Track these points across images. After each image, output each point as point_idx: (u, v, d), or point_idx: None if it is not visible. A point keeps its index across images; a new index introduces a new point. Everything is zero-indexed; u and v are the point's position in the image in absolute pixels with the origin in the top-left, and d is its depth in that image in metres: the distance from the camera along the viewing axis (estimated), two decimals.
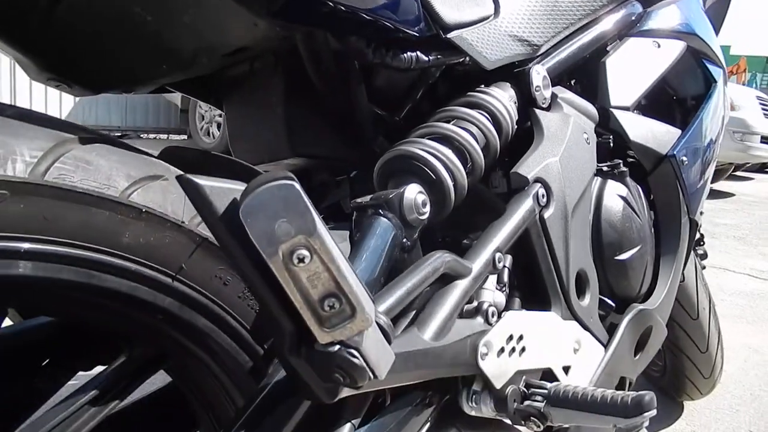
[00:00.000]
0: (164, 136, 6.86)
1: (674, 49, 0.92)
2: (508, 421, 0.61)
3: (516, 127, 0.70)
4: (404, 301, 0.48)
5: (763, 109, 5.18)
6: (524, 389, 0.61)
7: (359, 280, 0.36)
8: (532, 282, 0.67)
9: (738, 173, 6.10)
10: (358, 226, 0.55)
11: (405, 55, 0.61)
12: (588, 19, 0.83)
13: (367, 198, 0.56)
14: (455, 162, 0.61)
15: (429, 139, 0.62)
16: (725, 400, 1.47)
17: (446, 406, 0.59)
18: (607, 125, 0.82)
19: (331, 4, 0.50)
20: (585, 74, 0.86)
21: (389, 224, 0.53)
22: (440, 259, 0.54)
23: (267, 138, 0.67)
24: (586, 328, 0.71)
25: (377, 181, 0.63)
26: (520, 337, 0.61)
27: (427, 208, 0.57)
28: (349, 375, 0.37)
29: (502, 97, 0.69)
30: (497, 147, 0.67)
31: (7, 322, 0.59)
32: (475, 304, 0.59)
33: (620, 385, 0.79)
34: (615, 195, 0.78)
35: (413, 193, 0.55)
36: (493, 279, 0.62)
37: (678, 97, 1.02)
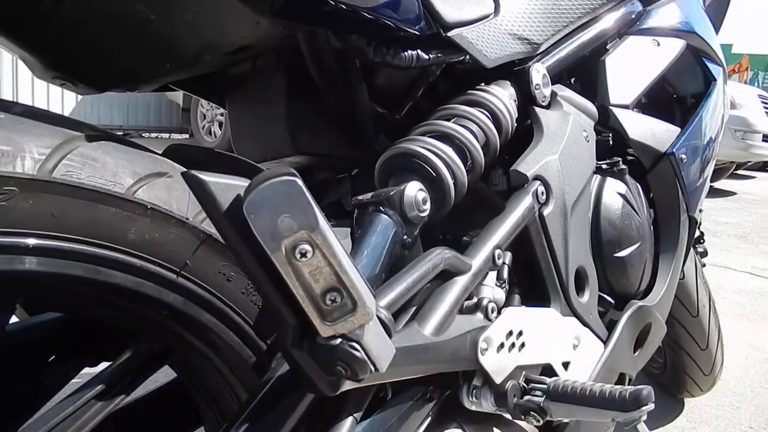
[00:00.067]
0: (166, 135, 6.87)
1: (674, 47, 0.93)
2: (508, 416, 0.61)
3: (516, 125, 0.71)
4: (405, 296, 0.49)
5: (765, 108, 5.18)
6: (524, 384, 0.61)
7: (360, 275, 0.37)
8: (531, 279, 0.68)
9: (740, 172, 6.09)
10: (360, 223, 0.55)
11: (405, 53, 0.62)
12: (588, 18, 0.83)
13: (368, 195, 0.56)
14: (455, 160, 0.61)
15: (429, 137, 0.63)
16: (726, 397, 1.48)
17: (447, 400, 0.60)
18: (606, 123, 0.83)
19: (332, 2, 0.51)
20: (585, 72, 0.86)
21: (390, 221, 0.54)
22: (440, 256, 0.54)
23: (269, 136, 0.68)
24: (585, 324, 0.72)
25: (378, 178, 0.63)
26: (520, 333, 0.61)
27: (428, 206, 0.58)
28: (350, 368, 0.38)
29: (502, 96, 0.70)
30: (497, 145, 0.68)
31: (14, 319, 0.60)
32: (474, 300, 0.60)
33: (620, 381, 0.80)
34: (614, 192, 0.79)
35: (414, 190, 0.56)
36: (492, 275, 0.62)
37: (678, 96, 1.03)
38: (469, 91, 0.70)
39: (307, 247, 0.34)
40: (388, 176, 0.62)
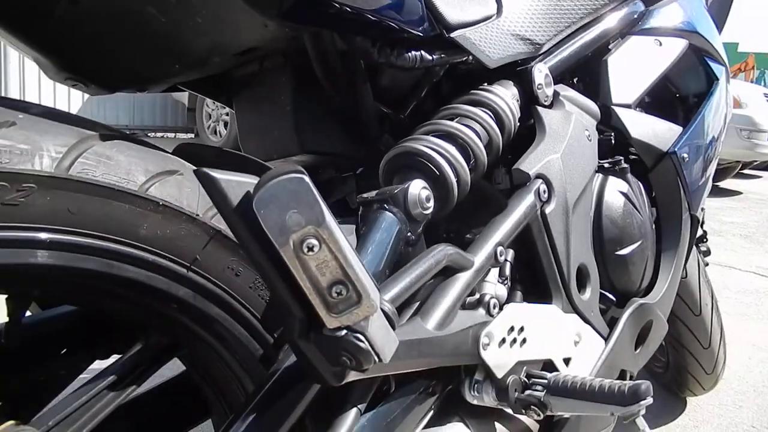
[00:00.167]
0: (171, 135, 6.90)
1: (676, 47, 0.94)
2: (510, 410, 0.63)
3: (518, 124, 0.72)
4: (408, 291, 0.50)
5: None
6: (525, 379, 0.62)
7: (365, 269, 0.38)
8: (533, 276, 0.69)
9: (745, 171, 6.06)
10: (364, 220, 0.56)
11: (409, 54, 0.63)
12: (590, 18, 0.84)
13: (373, 193, 0.58)
14: (458, 159, 0.62)
15: (433, 136, 0.64)
16: (728, 397, 1.48)
17: (449, 394, 0.61)
18: (608, 122, 0.84)
19: (337, 5, 0.52)
20: (587, 72, 0.87)
21: (394, 218, 0.55)
22: (443, 252, 0.55)
23: (276, 135, 0.69)
24: (586, 321, 0.73)
25: (382, 177, 0.65)
26: (521, 329, 0.62)
27: (431, 203, 0.59)
28: (355, 358, 0.39)
29: (505, 95, 0.71)
30: (500, 144, 0.69)
31: (27, 313, 0.62)
32: (477, 296, 0.61)
33: (621, 378, 0.80)
34: (616, 191, 0.80)
35: (417, 188, 0.57)
36: (495, 272, 0.63)
37: (680, 95, 1.03)
38: (472, 91, 0.71)
39: (314, 241, 0.36)
40: (393, 175, 0.63)
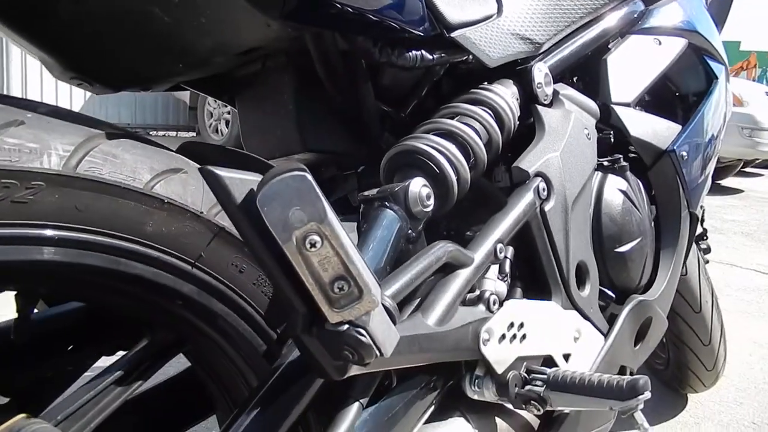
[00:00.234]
0: (173, 133, 6.92)
1: (675, 46, 0.94)
2: (510, 405, 0.63)
3: (518, 123, 0.73)
4: (408, 287, 0.51)
5: None
6: (525, 374, 0.63)
7: (366, 265, 0.39)
8: (533, 273, 0.70)
9: (747, 169, 6.05)
10: (366, 217, 0.57)
11: (410, 54, 0.64)
12: (590, 17, 0.84)
13: (374, 191, 0.59)
14: (458, 157, 0.63)
15: (433, 134, 0.64)
16: (729, 393, 1.49)
17: (450, 390, 0.62)
18: (608, 121, 0.84)
19: (339, 5, 0.53)
20: (587, 71, 0.88)
21: (395, 216, 0.56)
22: (443, 249, 0.56)
23: (278, 134, 0.70)
24: (586, 317, 0.73)
25: (383, 175, 0.65)
26: (521, 325, 0.63)
27: (431, 201, 0.60)
28: (357, 352, 0.40)
29: (505, 94, 0.71)
30: (499, 142, 0.69)
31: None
32: (477, 292, 0.62)
33: (621, 374, 0.81)
34: (615, 189, 0.80)
35: (418, 186, 0.58)
36: (494, 269, 0.64)
37: (680, 94, 1.04)
38: (473, 90, 0.71)
39: (317, 237, 0.36)
40: (394, 173, 0.64)
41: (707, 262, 1.31)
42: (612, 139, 0.83)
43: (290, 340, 0.53)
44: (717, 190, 5.01)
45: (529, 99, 0.75)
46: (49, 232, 0.41)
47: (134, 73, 0.65)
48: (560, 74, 0.81)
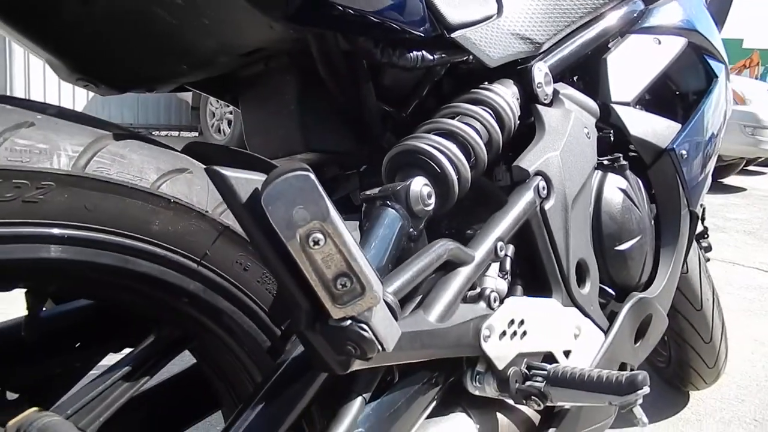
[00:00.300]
0: (176, 133, 6.93)
1: (675, 45, 0.95)
2: (511, 401, 0.64)
3: (518, 122, 0.73)
4: (410, 284, 0.52)
5: None
6: (525, 370, 0.64)
7: (368, 262, 0.40)
8: (533, 270, 0.71)
9: (750, 168, 6.04)
10: (368, 216, 0.58)
11: (411, 54, 0.64)
12: (590, 17, 0.85)
13: (376, 190, 0.59)
14: (459, 156, 0.64)
15: (434, 134, 0.65)
16: (731, 391, 1.49)
17: (452, 385, 0.63)
18: (608, 120, 0.85)
19: (340, 7, 0.54)
20: (586, 71, 0.88)
21: (396, 215, 0.57)
22: (444, 247, 0.57)
23: (281, 134, 0.71)
24: (586, 314, 0.74)
25: (385, 174, 0.66)
26: (521, 322, 0.64)
27: (432, 200, 0.60)
28: (359, 347, 0.41)
29: (505, 94, 0.72)
30: (500, 142, 0.70)
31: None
32: (477, 290, 0.63)
33: (621, 371, 0.82)
34: (615, 187, 0.81)
35: (419, 185, 0.59)
36: (495, 267, 0.65)
37: (680, 93, 1.04)
38: (473, 90, 0.72)
39: (320, 235, 0.37)
40: (395, 172, 0.65)
41: (708, 260, 1.31)
42: (612, 138, 0.84)
43: (294, 337, 0.54)
44: (719, 188, 5.01)
45: (529, 98, 0.76)
46: (58, 231, 0.42)
47: (139, 75, 0.66)
48: (560, 74, 0.82)
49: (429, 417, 0.60)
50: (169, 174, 0.47)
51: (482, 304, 0.61)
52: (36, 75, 5.68)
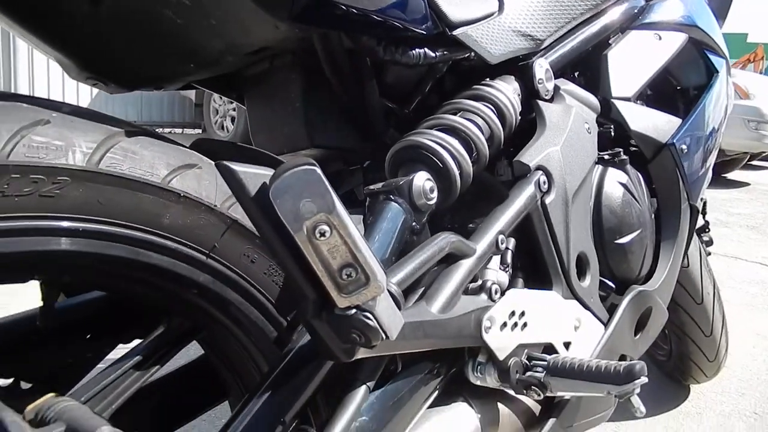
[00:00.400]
0: (179, 130, 6.95)
1: (676, 40, 0.95)
2: (511, 391, 0.66)
3: (520, 118, 0.74)
4: (413, 275, 0.53)
5: None
6: (526, 361, 0.65)
7: (372, 253, 0.41)
8: (534, 263, 0.72)
9: (753, 163, 6.02)
10: (371, 210, 0.59)
11: (413, 52, 0.65)
12: (590, 14, 0.86)
13: (380, 185, 0.61)
14: (461, 151, 0.65)
15: (436, 130, 0.66)
16: (732, 384, 1.50)
17: (454, 376, 0.64)
18: (608, 115, 0.86)
19: (344, 7, 0.55)
20: (587, 66, 0.89)
21: (399, 209, 0.58)
22: (446, 240, 0.58)
23: (286, 130, 0.72)
24: (586, 307, 0.75)
25: (388, 169, 0.67)
26: (522, 313, 0.65)
27: (435, 194, 0.62)
28: (364, 335, 0.42)
29: (506, 90, 0.73)
30: (501, 137, 0.71)
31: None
32: (479, 282, 0.64)
33: None
34: (615, 182, 0.82)
35: (422, 180, 0.60)
36: (496, 260, 0.66)
37: (681, 88, 1.05)
38: (475, 86, 0.73)
39: (326, 227, 0.39)
40: (398, 167, 0.66)
41: (709, 254, 1.32)
42: (612, 133, 0.85)
43: (299, 327, 0.55)
44: (723, 183, 4.99)
45: (530, 94, 0.77)
46: (73, 225, 0.43)
47: (147, 73, 0.68)
48: (561, 69, 0.83)
49: (431, 406, 0.62)
50: (179, 169, 0.49)
51: (483, 296, 0.63)
52: (40, 72, 5.70)
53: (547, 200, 0.70)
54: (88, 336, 0.64)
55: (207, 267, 0.51)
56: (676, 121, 0.92)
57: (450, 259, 0.60)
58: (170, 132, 6.82)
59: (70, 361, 0.62)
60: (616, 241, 0.81)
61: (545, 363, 0.63)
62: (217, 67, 0.68)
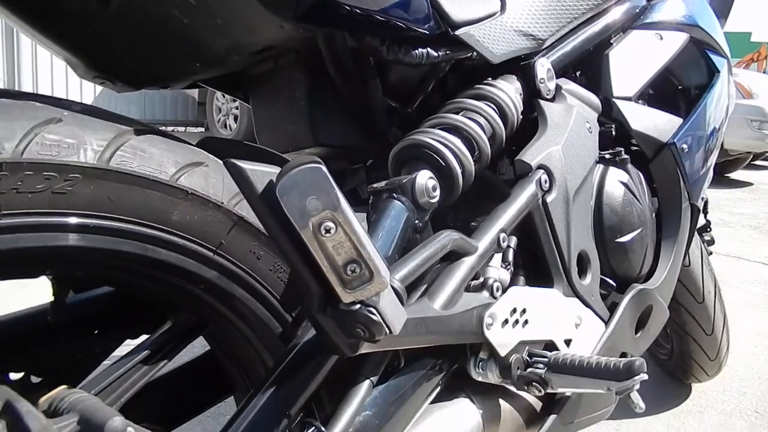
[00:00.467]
0: (182, 129, 6.97)
1: (677, 40, 0.96)
2: (513, 388, 0.66)
3: (521, 117, 0.75)
4: (416, 272, 0.54)
5: None
6: (527, 358, 0.66)
7: (376, 249, 0.42)
8: (535, 261, 0.72)
9: (756, 162, 6.00)
10: (375, 208, 0.60)
11: (416, 51, 0.66)
12: (592, 13, 0.86)
13: (383, 183, 0.62)
14: (463, 150, 0.66)
15: (439, 129, 0.67)
16: (733, 383, 1.51)
17: (455, 372, 0.65)
18: (609, 115, 0.86)
19: (348, 7, 0.56)
20: (589, 66, 0.90)
21: (402, 207, 0.59)
22: (448, 237, 0.59)
23: (290, 129, 0.73)
24: (587, 305, 0.76)
25: (391, 168, 0.68)
26: (523, 311, 0.66)
27: (437, 193, 0.63)
28: (368, 329, 0.43)
29: (508, 89, 0.74)
30: (503, 136, 0.72)
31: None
32: (481, 279, 0.65)
33: None
34: (616, 181, 0.83)
35: (424, 178, 0.61)
36: (498, 257, 0.67)
37: (682, 87, 1.06)
38: (477, 86, 0.74)
39: (331, 224, 0.40)
40: (401, 166, 0.67)
41: (711, 253, 1.32)
42: (613, 133, 0.85)
43: (304, 323, 0.56)
44: (726, 183, 4.99)
45: (532, 94, 0.77)
46: (84, 221, 0.44)
47: (154, 72, 0.68)
48: (563, 69, 0.83)
49: (433, 402, 0.62)
50: (186, 167, 0.50)
51: (485, 293, 0.63)
52: (43, 70, 5.72)
53: (549, 199, 0.71)
54: (97, 331, 0.65)
55: (214, 263, 0.52)
56: (677, 121, 0.93)
57: (452, 257, 0.61)
58: (173, 130, 6.84)
59: (79, 355, 0.63)
60: (617, 240, 0.82)
61: (546, 360, 0.64)
62: (223, 67, 0.69)
